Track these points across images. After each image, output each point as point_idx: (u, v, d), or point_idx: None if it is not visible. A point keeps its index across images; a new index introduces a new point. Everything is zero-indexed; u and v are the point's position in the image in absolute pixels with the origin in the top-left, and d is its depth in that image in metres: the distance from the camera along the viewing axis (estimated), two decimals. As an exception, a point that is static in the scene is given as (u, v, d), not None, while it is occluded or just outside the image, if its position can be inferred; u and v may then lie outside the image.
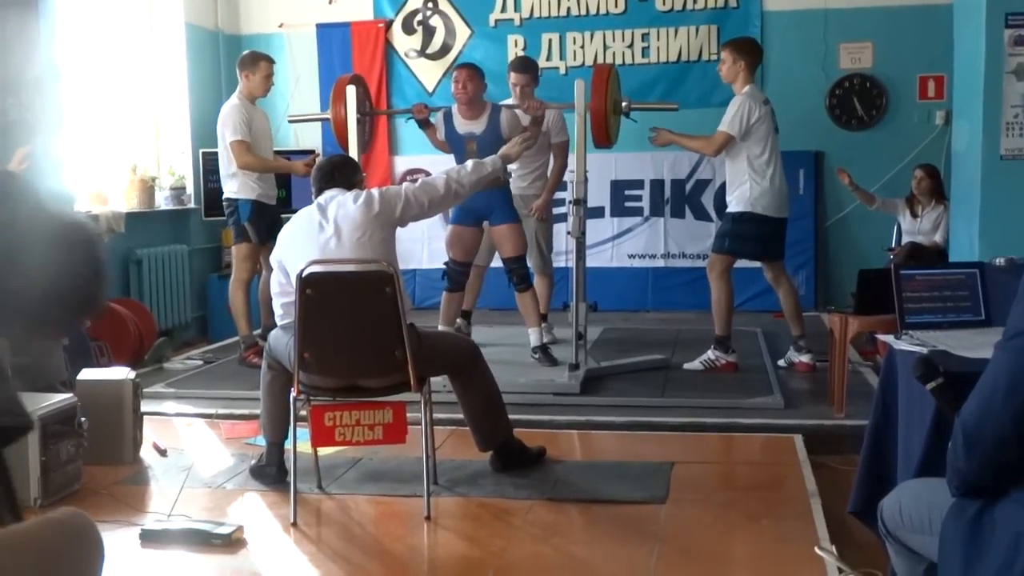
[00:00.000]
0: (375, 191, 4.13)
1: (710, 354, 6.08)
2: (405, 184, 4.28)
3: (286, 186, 7.15)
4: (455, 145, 6.00)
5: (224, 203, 6.56)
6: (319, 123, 8.83)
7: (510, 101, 6.27)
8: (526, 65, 6.49)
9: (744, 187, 5.89)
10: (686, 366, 6.11)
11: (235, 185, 6.41)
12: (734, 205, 5.96)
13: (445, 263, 6.20)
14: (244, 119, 6.31)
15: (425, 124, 6.14)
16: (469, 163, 4.51)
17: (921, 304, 3.31)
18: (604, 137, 5.80)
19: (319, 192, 4.14)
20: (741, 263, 6.26)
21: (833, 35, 8.43)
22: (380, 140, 8.96)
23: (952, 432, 2.09)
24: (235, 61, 9.00)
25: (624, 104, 5.90)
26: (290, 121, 7.60)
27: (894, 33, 8.29)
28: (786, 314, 6.12)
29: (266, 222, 6.42)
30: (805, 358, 6.07)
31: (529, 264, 6.43)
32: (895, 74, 8.36)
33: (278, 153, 7.03)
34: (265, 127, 6.61)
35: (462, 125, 5.95)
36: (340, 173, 4.18)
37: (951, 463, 2.08)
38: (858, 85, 8.43)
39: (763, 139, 5.87)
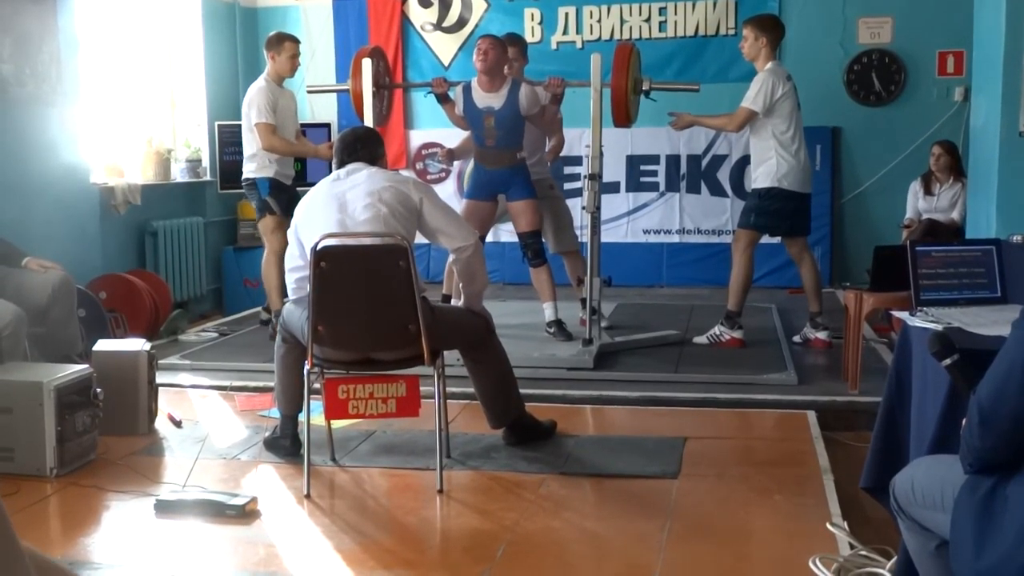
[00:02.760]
0: (406, 175, 4.08)
1: (716, 329, 6.10)
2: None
3: (302, 159, 7.14)
4: (473, 120, 5.97)
5: (244, 183, 6.58)
6: (335, 96, 8.86)
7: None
8: (513, 39, 6.42)
9: (771, 163, 5.87)
10: (695, 340, 6.16)
11: (253, 165, 6.45)
12: (760, 181, 5.94)
13: None
14: (269, 101, 6.32)
15: (444, 99, 6.11)
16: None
17: (937, 281, 3.29)
18: (624, 116, 5.78)
19: (340, 165, 4.10)
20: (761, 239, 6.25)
21: (852, 9, 8.36)
22: (395, 114, 8.93)
23: (967, 410, 2.09)
24: (251, 33, 9.04)
25: (645, 84, 5.87)
26: (309, 92, 7.58)
27: (913, 8, 8.22)
28: (806, 290, 6.11)
29: (284, 198, 6.44)
30: (822, 335, 6.06)
31: (555, 247, 6.42)
32: (914, 49, 8.29)
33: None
34: (291, 108, 6.61)
35: (481, 99, 5.91)
36: (363, 146, 4.12)
37: (966, 441, 2.07)
38: (877, 60, 8.36)
39: (788, 115, 5.85)
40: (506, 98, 5.85)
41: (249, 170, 6.49)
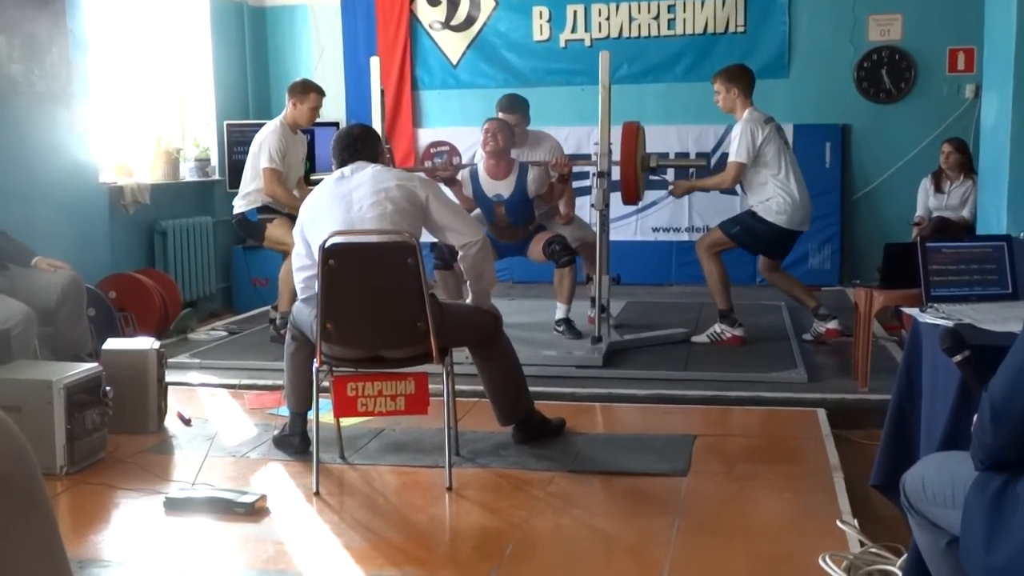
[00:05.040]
0: (411, 172, 4.08)
1: (716, 327, 6.11)
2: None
3: (311, 158, 7.10)
4: (483, 206, 5.98)
5: (233, 220, 6.54)
6: (343, 95, 8.88)
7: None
8: (514, 104, 6.35)
9: (770, 202, 5.92)
10: (694, 339, 6.15)
11: (244, 201, 6.41)
12: (760, 211, 5.96)
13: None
14: (280, 148, 6.24)
15: (451, 182, 6.09)
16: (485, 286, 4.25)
17: (947, 277, 3.27)
18: (634, 195, 5.92)
19: (342, 164, 4.08)
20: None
21: (862, 6, 8.33)
22: (404, 112, 8.95)
23: (978, 406, 2.08)
24: (260, 32, 9.06)
25: (652, 161, 5.91)
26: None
27: (924, 5, 8.19)
28: (795, 298, 6.24)
29: (277, 212, 6.40)
30: (831, 324, 6.07)
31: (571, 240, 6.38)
32: (924, 46, 8.26)
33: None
34: (299, 156, 6.55)
35: (490, 187, 5.91)
36: (364, 145, 4.11)
37: (977, 437, 2.06)
38: (887, 57, 8.34)
39: (775, 157, 5.89)
40: (514, 185, 5.87)
41: (240, 205, 6.43)
